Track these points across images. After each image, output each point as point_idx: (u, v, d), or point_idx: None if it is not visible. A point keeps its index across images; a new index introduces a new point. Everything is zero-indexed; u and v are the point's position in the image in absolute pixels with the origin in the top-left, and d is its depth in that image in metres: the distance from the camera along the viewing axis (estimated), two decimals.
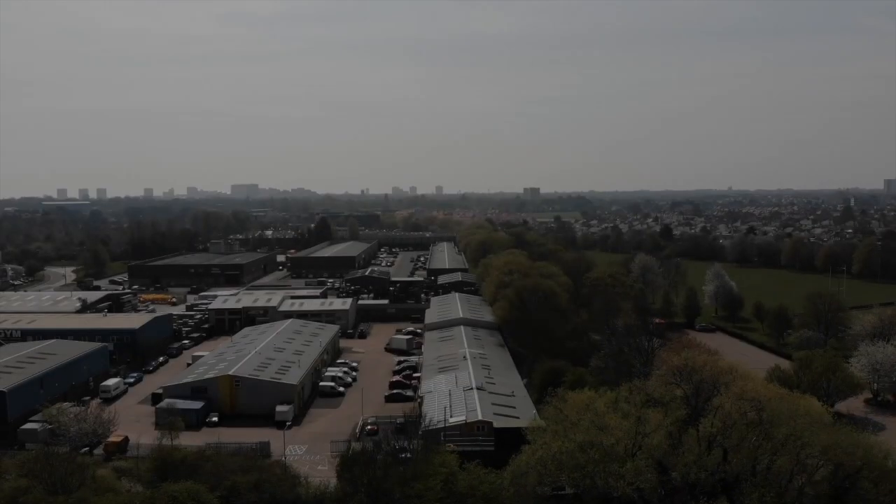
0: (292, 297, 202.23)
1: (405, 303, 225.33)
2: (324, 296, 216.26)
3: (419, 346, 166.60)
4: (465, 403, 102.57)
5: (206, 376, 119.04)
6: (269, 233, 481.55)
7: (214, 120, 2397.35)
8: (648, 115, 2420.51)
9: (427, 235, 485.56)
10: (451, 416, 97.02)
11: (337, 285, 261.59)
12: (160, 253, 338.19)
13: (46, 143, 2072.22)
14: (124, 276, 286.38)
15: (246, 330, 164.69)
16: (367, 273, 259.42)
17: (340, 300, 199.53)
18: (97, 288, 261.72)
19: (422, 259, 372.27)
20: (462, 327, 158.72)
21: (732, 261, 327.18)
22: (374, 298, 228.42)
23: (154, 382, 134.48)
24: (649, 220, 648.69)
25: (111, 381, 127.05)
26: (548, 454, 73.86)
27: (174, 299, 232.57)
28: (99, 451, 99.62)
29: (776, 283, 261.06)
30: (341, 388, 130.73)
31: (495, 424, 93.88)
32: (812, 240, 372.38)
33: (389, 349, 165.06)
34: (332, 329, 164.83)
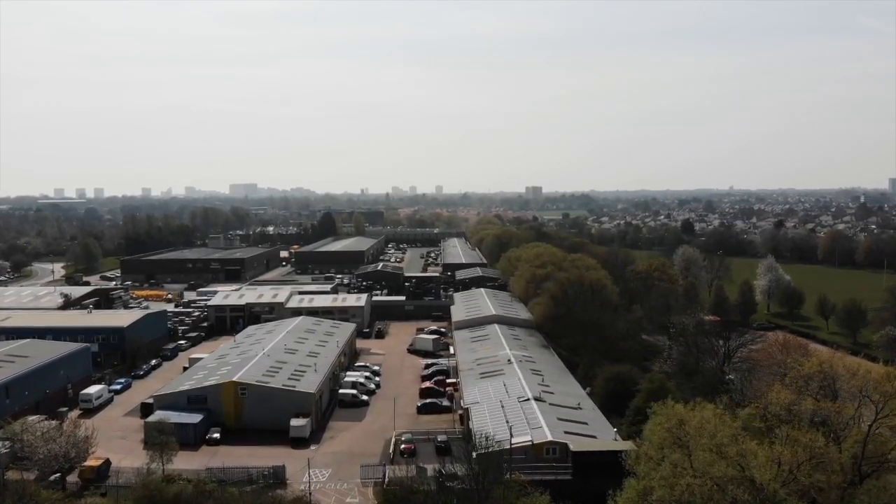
0: (301, 293, 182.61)
1: (423, 299, 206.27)
2: (334, 291, 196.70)
3: (446, 346, 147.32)
4: (526, 418, 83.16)
5: (206, 383, 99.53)
6: (270, 229, 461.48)
7: (213, 119, 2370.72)
8: (649, 115, 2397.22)
9: (434, 231, 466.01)
10: (513, 436, 77.52)
11: (346, 281, 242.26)
12: (156, 248, 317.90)
13: (43, 143, 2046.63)
14: (117, 273, 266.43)
15: (251, 329, 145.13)
16: (378, 268, 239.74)
17: (354, 296, 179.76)
18: (86, 284, 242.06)
19: (432, 255, 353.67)
20: (496, 326, 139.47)
21: (763, 256, 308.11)
22: (388, 295, 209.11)
23: (144, 389, 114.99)
24: (661, 218, 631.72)
25: (93, 389, 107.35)
26: (670, 493, 54.55)
27: (170, 296, 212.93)
28: (74, 477, 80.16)
29: (819, 279, 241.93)
30: (364, 397, 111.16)
31: (572, 447, 74.38)
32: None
33: (413, 350, 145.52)
34: (349, 328, 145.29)
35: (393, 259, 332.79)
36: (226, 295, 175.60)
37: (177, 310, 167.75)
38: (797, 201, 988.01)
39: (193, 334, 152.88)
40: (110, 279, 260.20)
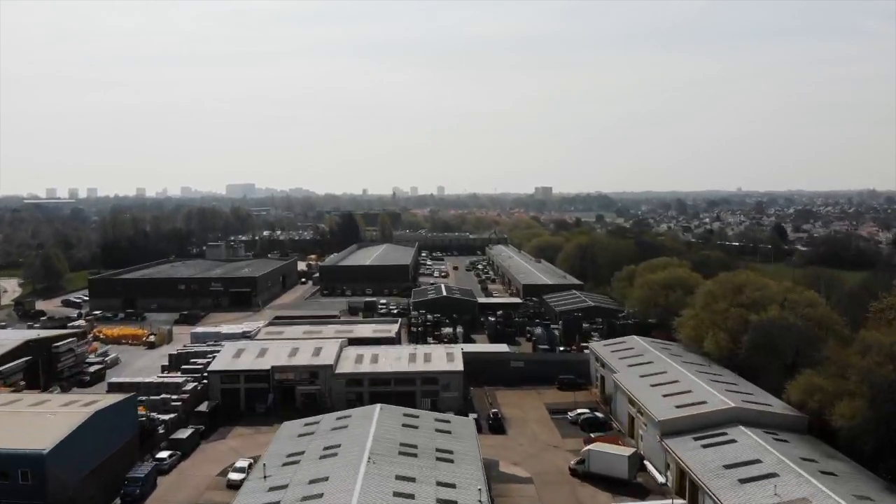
0: (354, 342, 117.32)
1: (514, 340, 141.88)
2: (398, 338, 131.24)
3: (641, 464, 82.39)
4: None
5: None
6: (278, 233, 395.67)
7: (210, 119, 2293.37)
8: (651, 116, 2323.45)
9: (470, 237, 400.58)
10: None
11: (395, 310, 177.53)
12: (142, 259, 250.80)
13: (38, 142, 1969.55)
14: (86, 294, 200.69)
15: (289, 435, 79.14)
16: (443, 294, 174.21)
17: (441, 350, 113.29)
18: (40, 313, 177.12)
19: (480, 266, 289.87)
20: (748, 432, 74.89)
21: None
22: (453, 330, 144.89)
23: None
24: (706, 220, 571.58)
25: None
26: None
27: (153, 336, 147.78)
28: None
29: None
30: None
31: None
32: None
33: (586, 474, 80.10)
34: (465, 429, 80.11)
35: (435, 272, 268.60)
36: (237, 350, 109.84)
37: (158, 381, 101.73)
38: (826, 203, 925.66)
39: (185, 433, 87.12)
40: (76, 304, 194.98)
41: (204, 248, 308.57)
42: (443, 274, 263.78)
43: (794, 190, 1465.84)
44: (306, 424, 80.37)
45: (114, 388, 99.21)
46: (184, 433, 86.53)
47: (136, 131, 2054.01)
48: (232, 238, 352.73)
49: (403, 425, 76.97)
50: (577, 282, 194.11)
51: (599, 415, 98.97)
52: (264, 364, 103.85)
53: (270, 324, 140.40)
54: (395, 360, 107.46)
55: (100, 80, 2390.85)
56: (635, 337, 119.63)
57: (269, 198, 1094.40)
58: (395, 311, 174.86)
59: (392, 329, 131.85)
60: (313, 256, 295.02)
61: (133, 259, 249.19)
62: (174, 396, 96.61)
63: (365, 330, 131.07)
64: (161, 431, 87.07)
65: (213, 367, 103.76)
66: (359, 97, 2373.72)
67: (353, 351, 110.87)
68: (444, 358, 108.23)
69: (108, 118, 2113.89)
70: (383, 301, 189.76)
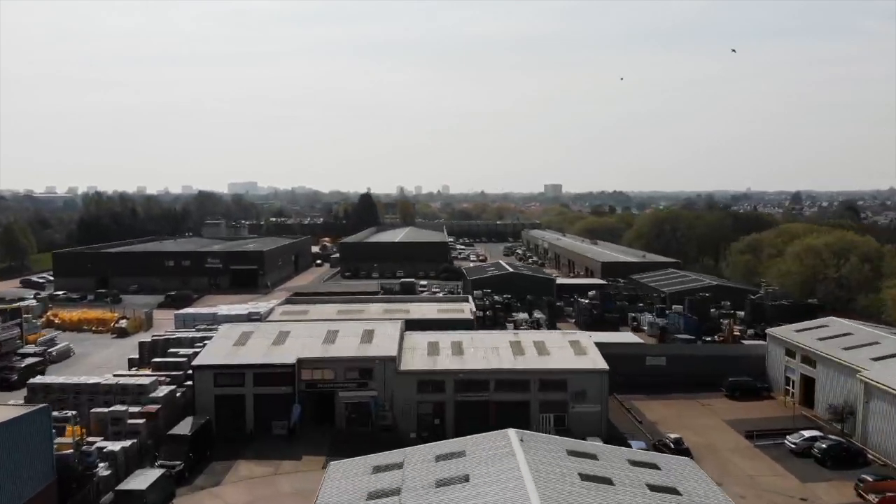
0: (413, 326, 78.07)
1: (619, 328, 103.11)
2: (474, 321, 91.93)
3: None
4: None
5: None
6: (286, 219, 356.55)
7: (211, 119, 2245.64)
8: (651, 116, 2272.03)
9: (498, 223, 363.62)
10: None
11: (439, 293, 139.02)
12: (127, 238, 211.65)
13: (37, 142, 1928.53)
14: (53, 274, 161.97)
15: (348, 481, 39.62)
16: (508, 270, 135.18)
17: (563, 339, 73.50)
18: None
19: (519, 250, 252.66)
20: None
21: None
22: (529, 314, 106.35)
23: None
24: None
25: None
26: None
27: (125, 319, 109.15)
28: None
29: None
30: None
31: None
32: None
33: None
34: (697, 480, 40.79)
35: (472, 256, 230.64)
36: (240, 334, 70.77)
37: (111, 382, 62.78)
38: (852, 199, 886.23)
39: (146, 479, 47.83)
40: (38, 285, 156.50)
41: (201, 231, 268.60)
42: (480, 258, 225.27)
43: (803, 189, 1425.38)
44: (378, 469, 41.10)
45: (37, 392, 60.21)
46: (143, 479, 47.27)
47: (137, 131, 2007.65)
48: (233, 222, 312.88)
49: (582, 476, 37.71)
50: (666, 259, 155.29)
51: (841, 440, 60.12)
52: (286, 356, 64.65)
53: (288, 301, 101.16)
54: (491, 351, 68.25)
55: (100, 80, 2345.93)
56: (836, 318, 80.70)
57: (272, 193, 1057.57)
58: (440, 295, 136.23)
59: (465, 308, 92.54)
60: (327, 239, 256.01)
61: (116, 238, 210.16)
62: (135, 409, 57.49)
63: (427, 310, 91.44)
64: (104, 474, 47.92)
65: (203, 359, 64.50)
66: (359, 97, 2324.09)
67: (420, 338, 71.54)
68: (567, 349, 68.91)
69: (108, 118, 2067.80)
70: (423, 283, 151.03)
